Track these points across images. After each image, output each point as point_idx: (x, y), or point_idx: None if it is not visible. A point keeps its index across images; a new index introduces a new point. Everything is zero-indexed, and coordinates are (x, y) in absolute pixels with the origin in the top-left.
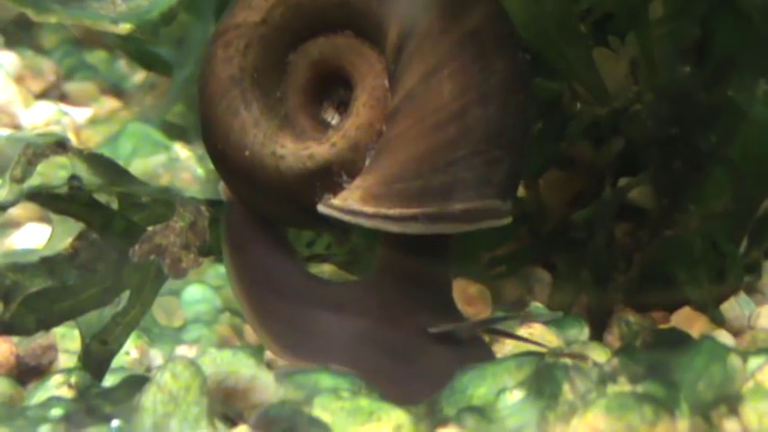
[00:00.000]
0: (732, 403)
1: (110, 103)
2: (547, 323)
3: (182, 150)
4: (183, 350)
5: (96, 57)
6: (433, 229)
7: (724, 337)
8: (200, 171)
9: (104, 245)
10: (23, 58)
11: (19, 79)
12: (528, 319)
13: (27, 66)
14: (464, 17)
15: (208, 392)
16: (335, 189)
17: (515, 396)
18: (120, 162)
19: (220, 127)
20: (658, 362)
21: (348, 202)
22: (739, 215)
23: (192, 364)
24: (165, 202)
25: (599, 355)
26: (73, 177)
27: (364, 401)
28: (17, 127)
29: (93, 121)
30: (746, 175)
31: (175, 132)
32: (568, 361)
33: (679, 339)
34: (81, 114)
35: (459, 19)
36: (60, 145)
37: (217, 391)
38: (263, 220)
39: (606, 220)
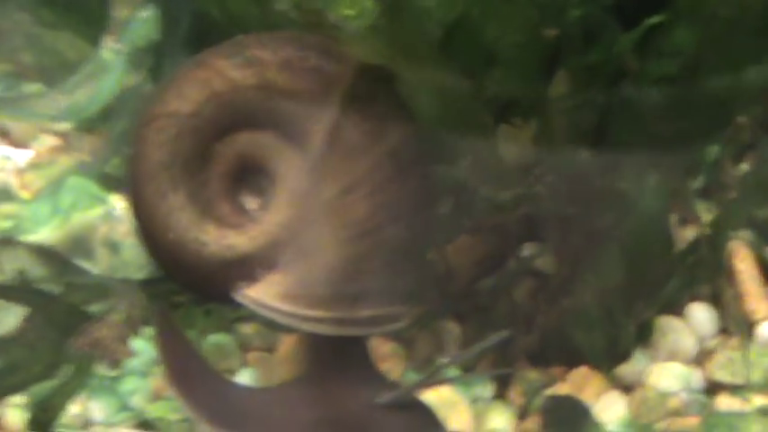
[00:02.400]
0: None
1: (49, 141)
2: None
3: (118, 202)
4: None
5: (35, 89)
6: (341, 331)
7: (616, 397)
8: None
9: (48, 326)
10: None
11: None
12: (453, 379)
13: None
14: (383, 139)
15: None
16: (250, 279)
17: None
18: (61, 216)
19: (148, 208)
20: None
21: (264, 296)
22: (631, 290)
23: None
24: (102, 285)
25: (501, 414)
26: (20, 271)
27: None
28: None
29: (35, 165)
30: (636, 255)
31: (112, 184)
32: None
33: (574, 410)
34: (22, 156)
35: (378, 140)
36: (7, 241)
37: None
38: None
39: (509, 289)
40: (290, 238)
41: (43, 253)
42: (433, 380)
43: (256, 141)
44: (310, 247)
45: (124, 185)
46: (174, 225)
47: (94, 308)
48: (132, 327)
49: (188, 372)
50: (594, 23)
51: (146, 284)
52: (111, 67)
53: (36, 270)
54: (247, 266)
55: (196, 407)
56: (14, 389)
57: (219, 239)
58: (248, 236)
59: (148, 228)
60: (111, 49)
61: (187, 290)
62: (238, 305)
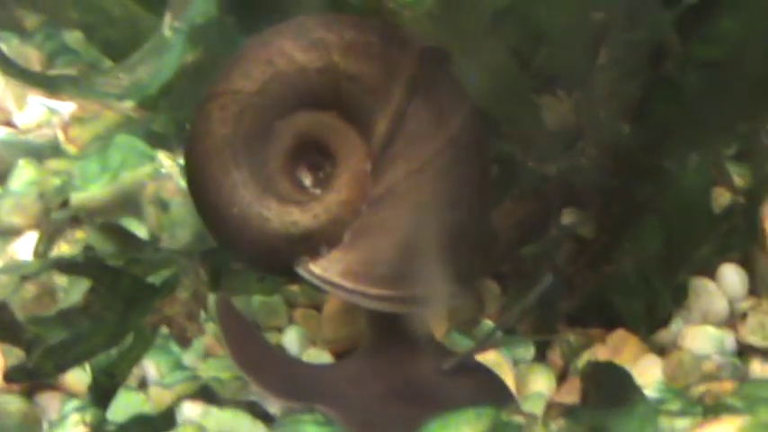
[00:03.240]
0: None
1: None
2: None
3: (165, 160)
4: (189, 407)
5: (74, 38)
6: (402, 309)
7: (652, 361)
8: (182, 182)
9: (112, 298)
10: (10, 47)
11: None
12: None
13: (14, 56)
14: (446, 124)
15: None
16: (312, 253)
17: None
18: (110, 173)
19: (212, 182)
20: (599, 424)
21: (328, 273)
22: (669, 259)
23: (201, 429)
24: (163, 256)
25: (543, 377)
26: (87, 247)
27: None
28: (10, 125)
29: (80, 119)
30: (675, 226)
31: (158, 141)
32: (522, 419)
33: (616, 376)
34: (66, 109)
35: (442, 126)
36: (75, 219)
37: None
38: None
39: (551, 256)
40: (352, 217)
41: (107, 228)
42: (489, 342)
43: (318, 121)
44: (374, 227)
45: (175, 147)
46: (239, 200)
47: (156, 278)
48: (200, 303)
49: (254, 355)
50: (639, 4)
51: (205, 255)
52: (171, 44)
53: (101, 245)
54: (310, 243)
55: (267, 387)
56: (80, 358)
57: (282, 215)
58: (312, 213)
59: (212, 202)
60: (170, 26)
61: (248, 264)
62: (299, 279)
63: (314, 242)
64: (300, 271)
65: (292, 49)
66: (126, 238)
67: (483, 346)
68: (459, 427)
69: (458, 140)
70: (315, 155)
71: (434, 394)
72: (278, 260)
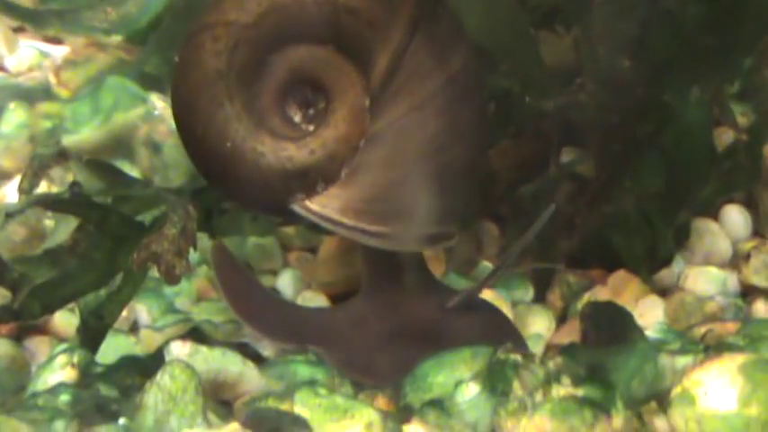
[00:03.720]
0: (661, 399)
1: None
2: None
3: (158, 102)
4: (177, 347)
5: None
6: (400, 246)
7: (654, 302)
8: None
9: (101, 236)
10: None
11: None
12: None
13: None
14: (447, 62)
15: (202, 391)
16: (309, 191)
17: (471, 390)
18: (102, 115)
19: (203, 116)
20: (597, 362)
21: (327, 210)
22: (671, 198)
23: (188, 367)
24: (152, 194)
25: (541, 318)
26: (74, 183)
27: (339, 399)
28: (1, 68)
29: (72, 62)
30: (677, 163)
31: (151, 83)
32: (518, 358)
33: (616, 315)
34: (58, 52)
35: (443, 63)
36: (62, 155)
37: (209, 384)
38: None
39: (550, 195)
40: (349, 153)
41: (96, 165)
42: (490, 279)
43: (313, 56)
44: (374, 164)
45: (168, 89)
46: (232, 135)
47: (146, 217)
48: (188, 240)
49: (251, 301)
50: None
51: (195, 193)
52: None
53: (88, 182)
54: (306, 179)
55: (266, 332)
56: (68, 299)
57: (278, 151)
58: (308, 148)
59: (202, 136)
60: None
61: (239, 202)
62: (293, 219)
63: (310, 179)
64: (296, 208)
65: None
66: (114, 175)
67: (487, 281)
68: (455, 366)
69: (457, 78)
70: (307, 90)
71: (439, 333)
72: (272, 197)
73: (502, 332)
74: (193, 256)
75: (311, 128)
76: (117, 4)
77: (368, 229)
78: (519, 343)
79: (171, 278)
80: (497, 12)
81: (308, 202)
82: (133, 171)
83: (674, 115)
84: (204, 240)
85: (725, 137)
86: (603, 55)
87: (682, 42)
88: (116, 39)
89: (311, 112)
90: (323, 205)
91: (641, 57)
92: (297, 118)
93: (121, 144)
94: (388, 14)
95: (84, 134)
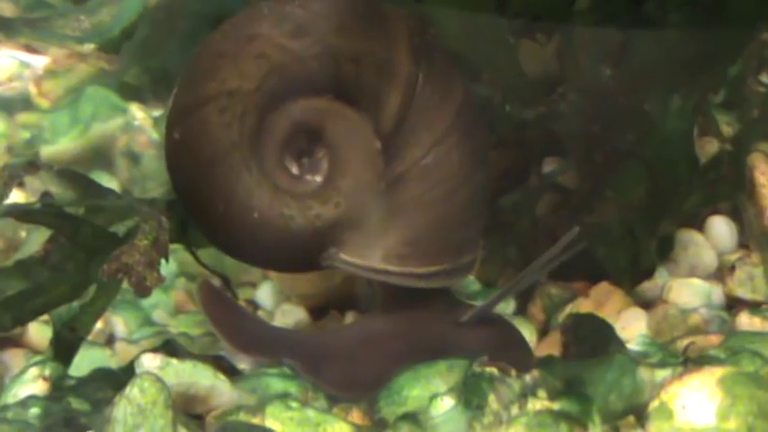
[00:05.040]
0: (639, 413)
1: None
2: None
3: (137, 112)
4: (148, 359)
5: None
6: (449, 282)
7: (637, 314)
8: (154, 135)
9: (73, 247)
10: None
11: None
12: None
13: None
14: (452, 91)
15: (172, 404)
16: (338, 243)
17: (446, 404)
18: (81, 126)
19: (223, 191)
20: (574, 375)
21: (370, 261)
22: (653, 208)
23: (158, 380)
24: (125, 204)
25: (523, 330)
26: (44, 193)
27: (312, 413)
28: None
29: (53, 72)
30: (659, 173)
31: (131, 93)
32: (494, 371)
33: (597, 328)
34: (39, 62)
35: (448, 93)
36: (32, 165)
37: (180, 397)
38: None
39: (531, 206)
40: (372, 198)
41: (68, 175)
42: (505, 293)
43: (313, 107)
44: (408, 205)
45: (150, 102)
46: (257, 204)
47: (120, 228)
48: (160, 251)
49: (245, 333)
50: None
51: (170, 204)
52: None
53: (61, 192)
54: (334, 233)
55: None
56: (40, 311)
57: (304, 210)
58: (332, 202)
59: (224, 212)
60: None
61: (270, 267)
62: (319, 269)
63: (338, 231)
64: (335, 264)
65: (281, 38)
66: (86, 185)
67: (502, 297)
68: (431, 380)
69: (464, 106)
70: (305, 141)
71: (452, 347)
72: (305, 256)
73: (513, 347)
74: (171, 268)
75: (326, 180)
76: (90, 12)
77: (416, 272)
78: (527, 358)
79: (142, 290)
80: (475, 20)
81: (345, 256)
82: (112, 182)
83: (656, 125)
84: (180, 253)
85: (709, 147)
86: (585, 64)
87: (662, 50)
88: (89, 47)
89: (324, 165)
90: (363, 257)
91: (622, 65)
92: (309, 174)
93: (100, 155)
94: (391, 51)
95: (62, 145)
